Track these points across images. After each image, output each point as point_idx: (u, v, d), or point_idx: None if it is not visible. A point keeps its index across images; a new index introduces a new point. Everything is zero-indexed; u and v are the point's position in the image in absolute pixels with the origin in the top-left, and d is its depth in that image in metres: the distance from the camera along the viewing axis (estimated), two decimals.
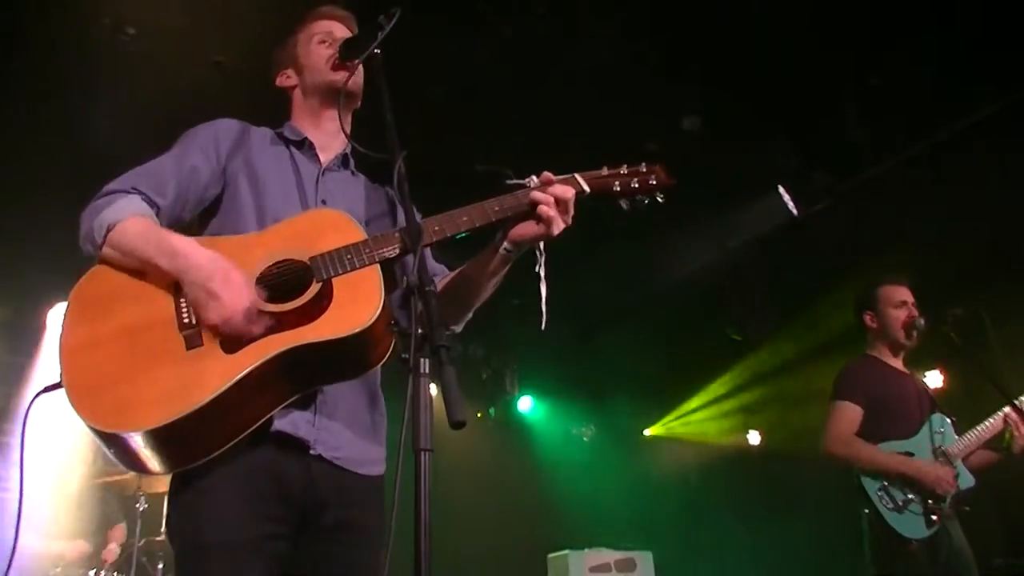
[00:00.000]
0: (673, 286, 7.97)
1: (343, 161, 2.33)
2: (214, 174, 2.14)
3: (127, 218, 1.94)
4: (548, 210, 2.01)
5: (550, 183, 2.07)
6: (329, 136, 2.32)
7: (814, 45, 5.30)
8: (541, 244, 2.10)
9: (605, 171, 2.16)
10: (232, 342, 1.80)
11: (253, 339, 1.80)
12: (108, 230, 1.92)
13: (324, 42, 2.32)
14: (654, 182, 2.15)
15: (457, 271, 2.26)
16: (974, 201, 5.81)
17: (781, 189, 6.49)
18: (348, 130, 2.30)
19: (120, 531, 5.90)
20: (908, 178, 6.06)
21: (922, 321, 4.18)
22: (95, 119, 5.32)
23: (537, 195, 2.03)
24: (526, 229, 2.05)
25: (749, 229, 7.01)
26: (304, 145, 2.29)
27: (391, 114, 1.94)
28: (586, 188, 2.09)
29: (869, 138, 5.88)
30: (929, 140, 5.81)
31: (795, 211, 6.53)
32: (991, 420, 4.04)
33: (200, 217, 2.17)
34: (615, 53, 5.36)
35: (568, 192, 2.04)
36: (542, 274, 2.11)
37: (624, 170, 2.16)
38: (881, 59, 5.37)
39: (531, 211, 2.04)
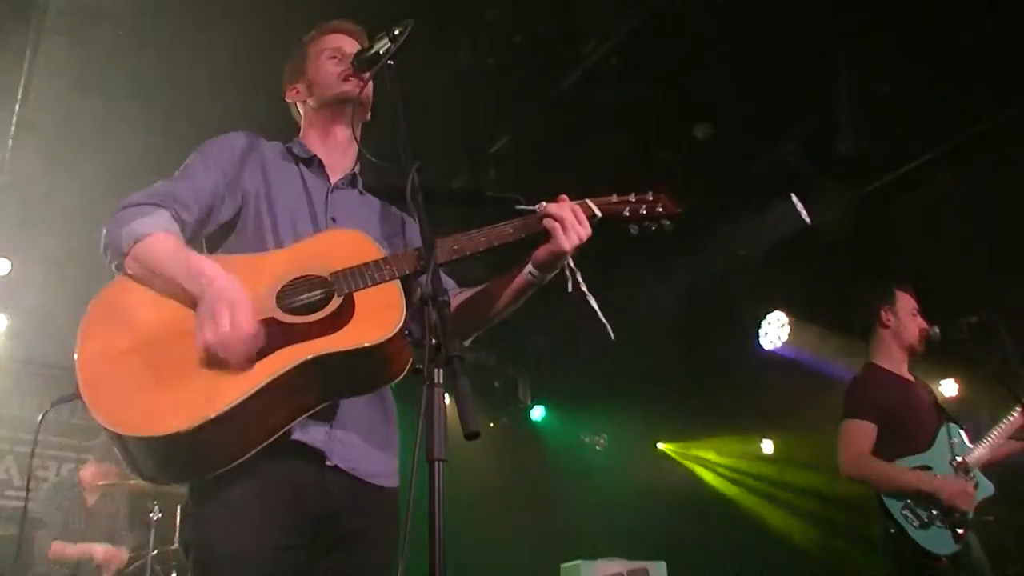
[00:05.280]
0: (684, 295, 7.97)
1: (351, 181, 2.34)
2: (232, 190, 2.16)
3: (156, 232, 1.95)
4: (554, 222, 2.07)
5: (561, 201, 2.13)
6: (338, 153, 2.33)
7: (825, 52, 5.31)
8: (571, 262, 2.14)
9: (615, 197, 2.23)
10: (257, 351, 1.80)
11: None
12: (135, 242, 1.92)
13: (334, 57, 2.33)
14: (661, 209, 2.22)
15: (479, 288, 2.29)
16: (986, 208, 5.78)
17: (794, 197, 6.48)
18: (358, 141, 2.31)
19: (122, 554, 5.80)
20: (919, 185, 6.04)
21: (937, 331, 4.15)
22: None
23: (546, 212, 2.09)
24: (543, 247, 2.11)
25: (762, 237, 7.00)
26: (312, 163, 2.30)
27: (405, 125, 1.95)
28: (598, 212, 2.16)
29: (881, 146, 5.86)
30: (940, 148, 5.79)
31: (808, 219, 6.52)
32: (1006, 421, 4.00)
33: (217, 232, 2.17)
34: (625, 63, 5.38)
35: (572, 206, 2.11)
36: (584, 289, 2.17)
37: (633, 197, 2.23)
38: (893, 67, 5.36)
39: (546, 232, 2.10)
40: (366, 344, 1.82)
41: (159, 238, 1.94)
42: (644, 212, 2.20)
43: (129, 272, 1.94)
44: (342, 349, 1.82)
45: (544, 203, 2.13)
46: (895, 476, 3.88)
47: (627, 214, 2.20)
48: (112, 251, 1.95)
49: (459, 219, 2.23)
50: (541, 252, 2.12)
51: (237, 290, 1.83)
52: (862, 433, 4.00)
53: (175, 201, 2.05)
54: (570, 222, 2.07)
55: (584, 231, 2.09)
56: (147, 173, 2.19)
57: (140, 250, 1.92)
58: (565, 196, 2.15)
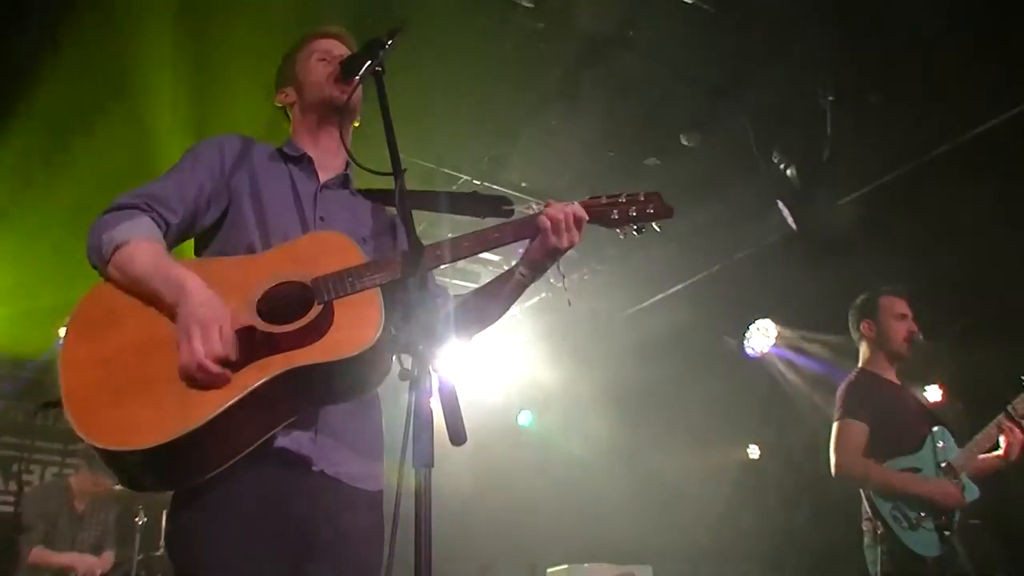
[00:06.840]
0: (672, 298, 7.99)
1: (343, 182, 2.34)
2: (219, 191, 2.16)
3: (136, 240, 1.94)
4: (548, 223, 2.08)
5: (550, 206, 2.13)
6: (328, 153, 2.33)
7: (812, 60, 5.34)
8: (560, 267, 2.15)
9: (604, 199, 2.21)
10: (233, 363, 1.79)
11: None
12: (116, 249, 1.92)
13: (323, 60, 2.34)
14: (652, 211, 2.20)
15: (473, 292, 2.31)
16: (969, 217, 5.82)
17: (780, 203, 6.50)
18: (347, 146, 2.31)
19: (108, 559, 5.82)
20: (903, 194, 6.08)
21: (921, 336, 4.19)
22: None
23: (539, 217, 2.10)
24: (534, 250, 2.12)
25: (748, 243, 7.02)
26: (303, 161, 2.29)
27: (392, 131, 1.94)
28: (585, 216, 2.14)
29: (869, 152, 5.90)
30: (927, 155, 5.83)
31: (794, 225, 6.53)
32: (988, 429, 4.04)
33: (204, 232, 2.17)
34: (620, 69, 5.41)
35: (567, 207, 2.11)
36: (565, 287, 2.17)
37: (623, 199, 2.21)
38: (881, 75, 5.40)
39: (533, 235, 2.11)
40: (343, 356, 1.82)
41: (140, 246, 1.93)
42: (634, 213, 2.18)
43: (111, 279, 1.94)
44: (319, 361, 1.81)
45: (534, 204, 2.15)
46: (887, 478, 3.92)
47: (615, 217, 2.18)
48: (96, 256, 1.96)
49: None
50: (535, 251, 2.13)
51: (214, 306, 1.82)
52: (856, 434, 4.03)
53: (159, 204, 2.05)
54: (565, 224, 2.08)
55: (577, 234, 2.10)
56: None
57: (120, 258, 1.92)
58: (552, 200, 2.15)
